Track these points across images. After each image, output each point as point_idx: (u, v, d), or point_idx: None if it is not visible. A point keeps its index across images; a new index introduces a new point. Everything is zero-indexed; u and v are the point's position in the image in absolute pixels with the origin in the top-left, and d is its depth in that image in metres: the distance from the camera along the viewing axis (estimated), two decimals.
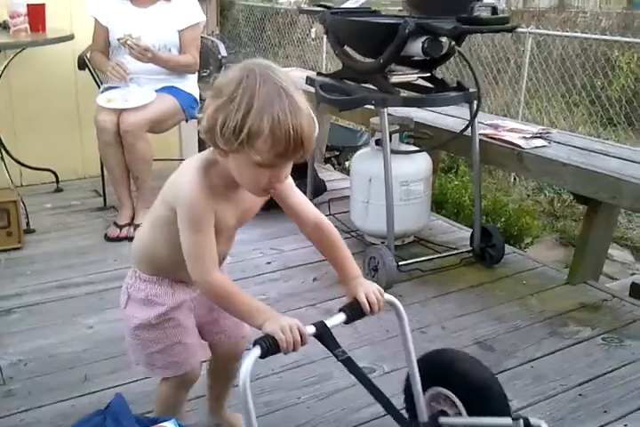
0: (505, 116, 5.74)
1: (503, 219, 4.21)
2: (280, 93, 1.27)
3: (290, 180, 1.49)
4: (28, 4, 3.35)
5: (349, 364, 1.45)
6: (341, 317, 1.48)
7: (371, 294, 1.49)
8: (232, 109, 1.27)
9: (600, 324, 2.55)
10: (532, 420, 1.53)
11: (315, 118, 1.32)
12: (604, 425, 1.98)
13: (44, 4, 3.43)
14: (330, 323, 1.45)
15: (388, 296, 1.54)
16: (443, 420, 1.67)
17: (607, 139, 5.26)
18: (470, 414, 1.64)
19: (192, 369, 1.68)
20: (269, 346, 1.33)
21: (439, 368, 1.71)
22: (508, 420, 1.55)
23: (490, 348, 2.38)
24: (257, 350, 1.33)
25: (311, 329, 1.41)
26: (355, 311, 1.49)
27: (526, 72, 5.90)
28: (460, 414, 1.67)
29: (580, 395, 2.12)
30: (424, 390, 1.67)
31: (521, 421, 1.52)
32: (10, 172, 3.50)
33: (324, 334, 1.43)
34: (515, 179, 5.61)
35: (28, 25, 3.38)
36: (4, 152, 3.55)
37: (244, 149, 1.29)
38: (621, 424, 1.98)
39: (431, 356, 1.74)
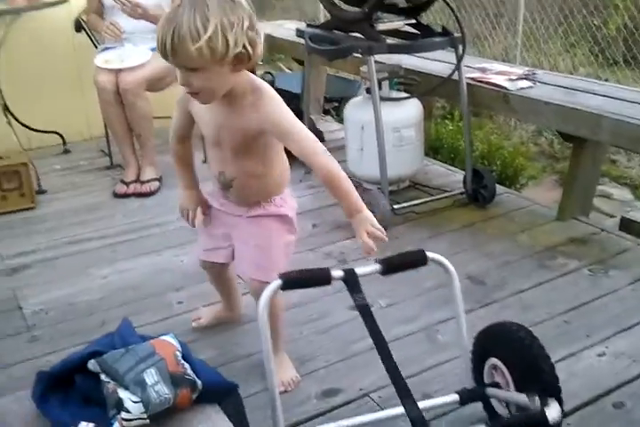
0: (504, 60, 5.74)
1: (499, 162, 4.29)
2: (184, 6, 1.43)
3: (283, 116, 1.62)
4: None
5: (364, 310, 1.51)
6: (375, 267, 1.56)
7: (365, 238, 1.61)
8: None
9: (587, 256, 2.65)
10: (549, 400, 1.50)
11: (206, 35, 1.41)
12: (586, 348, 2.10)
13: None
14: (360, 271, 1.55)
15: (434, 255, 1.59)
16: (489, 391, 1.68)
17: (607, 80, 5.27)
18: (518, 389, 1.60)
19: (200, 259, 2.05)
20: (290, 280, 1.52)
21: (496, 340, 1.71)
22: (523, 396, 1.53)
23: (481, 282, 2.50)
24: (278, 282, 1.49)
25: (339, 273, 1.53)
26: (391, 265, 1.56)
27: (522, 14, 5.88)
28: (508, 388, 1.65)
29: (564, 322, 2.24)
30: (484, 359, 1.71)
31: (536, 398, 1.50)
32: (17, 136, 3.60)
33: (349, 280, 1.54)
34: (515, 123, 5.65)
35: None
36: (10, 117, 3.65)
37: None
38: (602, 347, 2.10)
39: (491, 328, 1.74)
